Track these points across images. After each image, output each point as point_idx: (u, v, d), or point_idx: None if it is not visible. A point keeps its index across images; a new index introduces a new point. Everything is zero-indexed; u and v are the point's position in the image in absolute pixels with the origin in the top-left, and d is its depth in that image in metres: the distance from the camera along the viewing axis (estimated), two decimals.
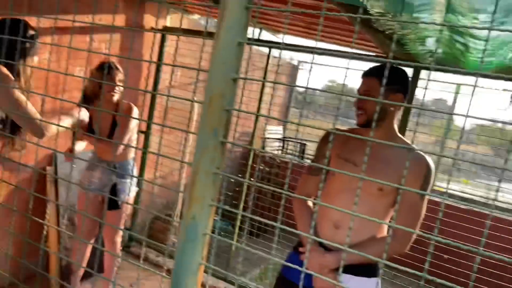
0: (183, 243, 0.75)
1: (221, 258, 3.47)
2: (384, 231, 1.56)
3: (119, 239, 2.66)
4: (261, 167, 4.79)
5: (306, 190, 1.67)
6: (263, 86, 3.23)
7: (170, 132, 3.95)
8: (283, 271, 1.67)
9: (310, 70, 0.71)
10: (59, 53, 2.73)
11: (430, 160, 1.48)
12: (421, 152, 1.48)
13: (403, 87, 1.49)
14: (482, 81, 4.66)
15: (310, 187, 1.66)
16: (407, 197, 1.45)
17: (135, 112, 2.50)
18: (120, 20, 3.15)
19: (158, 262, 3.46)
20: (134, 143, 2.59)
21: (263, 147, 5.57)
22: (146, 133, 3.57)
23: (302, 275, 0.68)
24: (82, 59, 2.88)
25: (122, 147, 2.45)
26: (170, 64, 0.86)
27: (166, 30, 3.46)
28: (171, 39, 3.57)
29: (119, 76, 2.41)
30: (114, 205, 2.55)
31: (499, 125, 4.82)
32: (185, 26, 3.69)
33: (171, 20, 3.59)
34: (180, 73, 3.91)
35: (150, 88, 3.53)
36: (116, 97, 2.42)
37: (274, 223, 0.75)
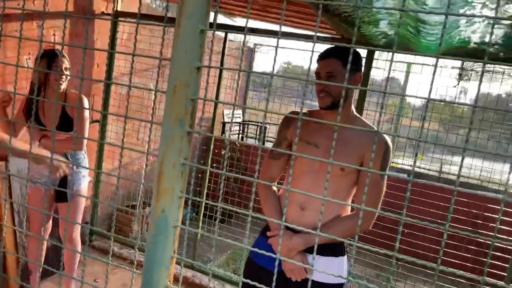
0: (153, 236, 0.73)
1: (188, 246, 3.45)
2: (348, 210, 1.60)
3: (76, 234, 2.57)
4: (224, 153, 4.78)
5: (269, 174, 1.67)
6: (221, 72, 3.19)
7: (128, 121, 3.84)
8: (251, 256, 1.68)
9: (275, 54, 0.71)
10: (5, 41, 2.55)
11: (387, 138, 1.53)
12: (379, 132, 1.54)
13: (359, 65, 1.52)
14: (432, 60, 4.85)
15: (273, 171, 1.67)
16: (366, 176, 1.50)
17: (86, 102, 2.42)
18: (69, 4, 2.98)
19: (121, 255, 3.40)
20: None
21: (223, 132, 5.55)
22: (102, 123, 3.45)
23: (276, 262, 0.69)
24: (30, 46, 2.71)
25: (85, 140, 2.36)
26: (129, 53, 0.82)
27: (120, 16, 3.31)
28: (122, 24, 3.44)
29: (65, 63, 2.29)
30: (64, 197, 2.46)
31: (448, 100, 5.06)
32: (136, 10, 3.55)
33: (122, 4, 3.45)
34: (135, 59, 3.78)
35: (103, 76, 3.39)
36: (63, 86, 2.30)
37: (240, 210, 0.75)
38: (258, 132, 5.89)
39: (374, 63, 2.92)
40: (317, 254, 1.53)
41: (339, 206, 1.56)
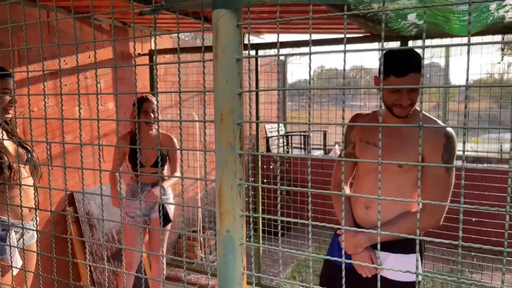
0: (223, 256, 0.78)
1: (252, 263, 3.50)
2: (415, 206, 1.58)
3: (164, 249, 2.79)
4: (274, 167, 4.82)
5: (339, 176, 1.75)
6: (257, 87, 3.26)
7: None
8: (328, 254, 1.73)
9: (309, 68, 0.75)
10: (57, 97, 2.77)
11: (448, 129, 1.49)
12: (438, 123, 1.54)
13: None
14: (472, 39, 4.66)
15: (341, 172, 1.74)
16: (430, 171, 1.48)
17: (175, 140, 2.74)
18: (108, 52, 3.20)
19: (190, 280, 3.50)
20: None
21: (268, 147, 5.60)
22: None
23: (342, 258, 0.71)
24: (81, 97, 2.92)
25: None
26: (175, 91, 0.89)
27: (154, 54, 3.50)
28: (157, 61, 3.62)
29: (153, 107, 2.59)
30: (167, 220, 2.73)
31: (496, 77, 4.83)
32: (170, 45, 3.73)
33: (153, 42, 3.63)
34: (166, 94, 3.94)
35: None
36: (153, 130, 2.66)
37: (300, 220, 0.78)
38: (302, 142, 5.89)
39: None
40: (386, 251, 1.53)
41: (404, 202, 1.55)
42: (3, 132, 1.91)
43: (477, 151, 4.81)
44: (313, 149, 5.67)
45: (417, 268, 0.67)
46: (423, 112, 1.62)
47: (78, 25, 2.93)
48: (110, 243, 2.97)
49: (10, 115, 1.92)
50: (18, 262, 1.90)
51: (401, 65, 1.45)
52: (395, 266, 1.50)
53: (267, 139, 5.67)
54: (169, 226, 2.85)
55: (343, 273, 0.74)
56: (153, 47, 3.58)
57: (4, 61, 2.30)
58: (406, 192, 1.54)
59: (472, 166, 0.73)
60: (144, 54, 3.52)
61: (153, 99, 2.63)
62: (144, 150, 2.66)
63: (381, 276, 1.52)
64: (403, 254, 1.55)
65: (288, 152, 5.79)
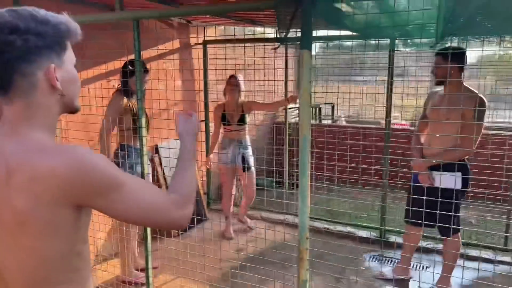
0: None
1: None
2: (459, 144, 2.76)
3: (255, 191, 4.18)
4: (289, 133, 5.97)
5: (420, 129, 3.10)
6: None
7: None
8: (412, 180, 3.05)
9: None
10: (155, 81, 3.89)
11: (481, 96, 2.70)
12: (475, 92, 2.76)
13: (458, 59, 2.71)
14: None
15: (421, 128, 3.10)
16: (466, 123, 2.67)
17: (256, 100, 4.24)
18: (175, 43, 4.34)
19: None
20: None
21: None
22: (205, 122, 4.80)
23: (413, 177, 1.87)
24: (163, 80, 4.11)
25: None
26: (259, 80, 2.05)
27: (207, 43, 4.62)
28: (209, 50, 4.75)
29: (238, 81, 3.91)
30: (247, 168, 4.04)
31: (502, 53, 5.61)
32: (214, 38, 4.84)
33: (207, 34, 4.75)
34: (215, 73, 5.08)
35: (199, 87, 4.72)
36: (236, 97, 3.94)
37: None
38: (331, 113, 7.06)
39: None
40: (439, 170, 2.75)
41: (455, 140, 2.77)
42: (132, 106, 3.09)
43: None
44: (323, 119, 6.82)
45: (456, 181, 1.91)
46: (469, 87, 2.82)
47: (159, 24, 4.07)
48: None
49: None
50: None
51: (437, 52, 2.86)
52: (445, 180, 2.73)
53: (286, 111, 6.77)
54: (253, 172, 4.11)
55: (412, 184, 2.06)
56: (205, 39, 4.70)
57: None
58: (452, 136, 2.74)
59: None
60: (199, 43, 4.65)
61: (239, 76, 3.90)
62: (231, 111, 3.94)
63: (435, 187, 2.79)
64: (452, 172, 2.73)
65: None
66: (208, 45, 4.65)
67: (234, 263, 3.41)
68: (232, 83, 3.94)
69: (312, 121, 6.89)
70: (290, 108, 6.55)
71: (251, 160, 4.11)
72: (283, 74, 5.05)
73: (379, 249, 3.85)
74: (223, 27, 5.07)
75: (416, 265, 3.53)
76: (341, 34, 3.55)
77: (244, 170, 4.05)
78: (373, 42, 3.88)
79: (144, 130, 2.40)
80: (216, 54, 4.75)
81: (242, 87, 3.98)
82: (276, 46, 4.17)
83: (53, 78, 0.89)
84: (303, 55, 1.89)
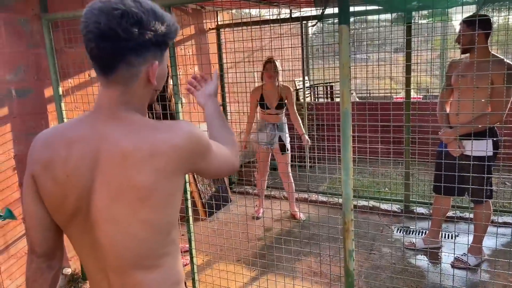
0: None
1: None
2: (488, 109, 2.79)
3: (290, 172, 4.15)
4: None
5: (444, 97, 3.07)
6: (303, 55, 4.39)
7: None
8: (439, 147, 3.07)
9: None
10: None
11: (507, 60, 2.69)
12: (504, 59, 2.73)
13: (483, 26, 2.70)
14: None
15: (446, 95, 3.07)
16: (496, 88, 2.67)
17: (291, 90, 3.95)
18: (191, 28, 4.34)
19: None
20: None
21: (298, 98, 6.75)
22: (222, 104, 4.81)
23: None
24: (182, 65, 4.12)
25: None
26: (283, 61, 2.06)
27: (220, 28, 4.61)
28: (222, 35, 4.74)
29: (274, 67, 3.78)
30: (284, 149, 4.04)
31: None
32: (227, 22, 4.82)
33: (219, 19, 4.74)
34: (233, 56, 5.08)
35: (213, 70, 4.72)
36: (275, 82, 3.84)
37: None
38: (325, 91, 7.04)
39: None
40: (468, 138, 2.79)
41: (485, 106, 2.78)
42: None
43: None
44: (336, 97, 6.83)
45: (487, 147, 1.97)
46: (496, 54, 2.84)
47: (174, 11, 4.06)
48: None
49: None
50: None
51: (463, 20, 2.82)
52: (475, 147, 2.76)
53: (297, 91, 6.81)
54: (288, 155, 4.11)
55: (442, 150, 2.13)
56: (219, 23, 4.69)
57: None
58: (482, 102, 2.74)
59: None
60: (213, 29, 4.64)
61: (276, 61, 3.80)
62: (269, 96, 3.90)
63: (465, 155, 2.81)
64: (481, 139, 2.75)
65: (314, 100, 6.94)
66: (221, 30, 4.65)
67: (262, 243, 3.50)
68: (270, 69, 3.79)
69: (321, 100, 6.95)
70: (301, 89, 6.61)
71: (288, 142, 4.09)
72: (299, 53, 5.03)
73: (406, 221, 3.90)
74: (234, 11, 5.05)
75: (446, 234, 3.59)
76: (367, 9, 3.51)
77: (281, 151, 4.04)
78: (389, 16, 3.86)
79: (181, 115, 2.43)
80: (233, 37, 4.76)
81: (280, 70, 3.87)
82: (314, 23, 4.10)
83: (153, 75, 0.94)
84: (342, 31, 1.90)
